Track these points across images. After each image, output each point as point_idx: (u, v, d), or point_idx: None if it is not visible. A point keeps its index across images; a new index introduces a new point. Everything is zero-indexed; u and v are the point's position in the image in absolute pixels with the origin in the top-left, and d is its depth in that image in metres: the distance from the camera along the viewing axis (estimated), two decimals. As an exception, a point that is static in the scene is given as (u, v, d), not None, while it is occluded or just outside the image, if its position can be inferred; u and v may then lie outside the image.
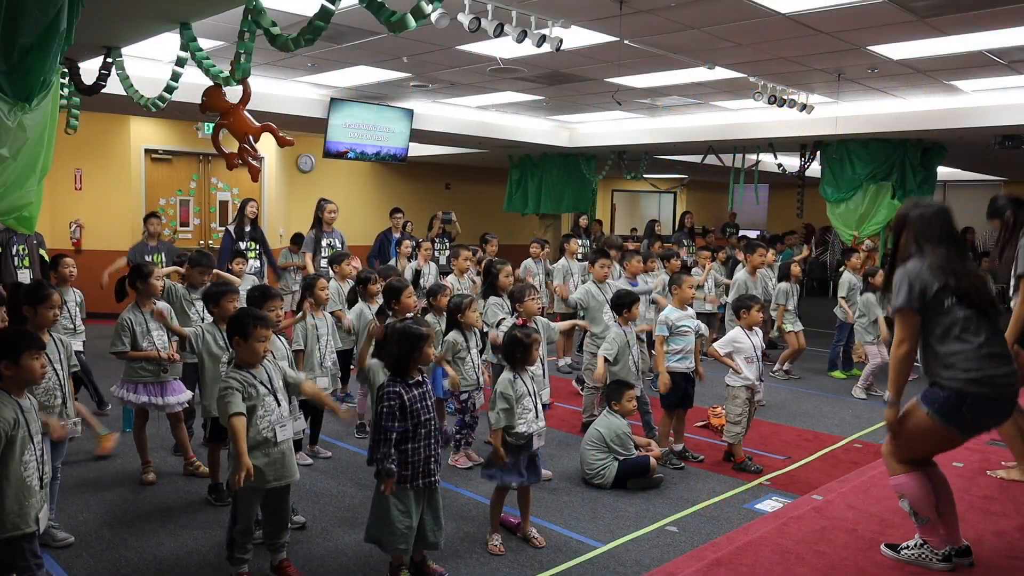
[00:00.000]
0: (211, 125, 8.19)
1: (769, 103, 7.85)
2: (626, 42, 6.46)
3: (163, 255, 7.65)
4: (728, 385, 5.18)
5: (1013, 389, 2.99)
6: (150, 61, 7.31)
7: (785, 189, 16.41)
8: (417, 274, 8.07)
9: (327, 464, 5.19)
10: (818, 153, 10.76)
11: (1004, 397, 2.96)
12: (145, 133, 10.92)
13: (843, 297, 7.79)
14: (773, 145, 11.13)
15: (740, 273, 7.80)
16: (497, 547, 3.86)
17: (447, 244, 10.14)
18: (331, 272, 6.41)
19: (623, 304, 5.39)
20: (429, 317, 5.35)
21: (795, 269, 8.02)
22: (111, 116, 10.29)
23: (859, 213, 10.20)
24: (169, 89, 5.44)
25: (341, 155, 9.92)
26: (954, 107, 8.80)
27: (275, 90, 8.95)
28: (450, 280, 6.83)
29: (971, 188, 16.36)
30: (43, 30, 3.14)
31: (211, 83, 4.85)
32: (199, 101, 5.00)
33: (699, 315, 6.29)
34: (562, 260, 8.24)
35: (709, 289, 8.27)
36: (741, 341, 5.11)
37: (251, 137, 4.96)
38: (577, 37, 6.36)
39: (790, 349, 7.96)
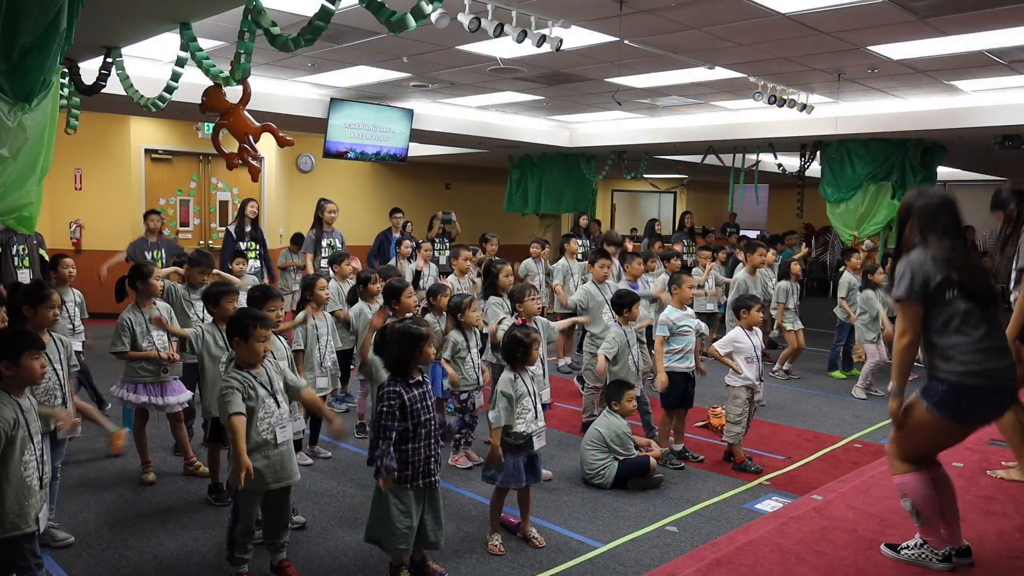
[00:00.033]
0: (211, 125, 8.19)
1: (769, 103, 7.85)
2: (626, 42, 6.46)
3: (163, 251, 7.65)
4: (728, 385, 5.18)
5: (1011, 382, 2.99)
6: (150, 61, 7.31)
7: (785, 189, 16.41)
8: (417, 275, 8.06)
9: (327, 464, 5.19)
10: (818, 153, 10.76)
11: (1002, 389, 2.96)
12: (145, 133, 10.92)
13: (843, 297, 7.79)
14: (773, 145, 11.13)
15: (740, 272, 7.80)
16: (497, 547, 3.86)
17: (447, 244, 10.15)
18: (331, 272, 6.42)
19: (623, 304, 5.40)
20: (429, 317, 5.35)
21: (795, 267, 8.02)
22: (111, 116, 10.29)
23: (859, 213, 10.20)
24: (169, 89, 5.43)
25: (341, 155, 9.92)
26: (954, 107, 8.80)
27: (275, 90, 8.95)
28: (450, 280, 6.83)
29: (971, 188, 16.36)
30: (43, 30, 3.14)
31: (211, 83, 4.85)
32: (199, 101, 4.99)
33: (699, 315, 6.29)
34: (562, 260, 8.24)
35: (709, 289, 8.27)
36: (741, 341, 5.11)
37: (251, 137, 4.96)
38: (577, 37, 6.36)
39: (789, 348, 7.96)
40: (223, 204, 11.77)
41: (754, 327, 5.20)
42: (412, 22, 3.62)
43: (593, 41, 6.58)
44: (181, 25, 4.86)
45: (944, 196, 3.10)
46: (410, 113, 10.22)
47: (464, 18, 5.11)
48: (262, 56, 7.05)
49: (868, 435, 6.02)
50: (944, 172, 11.90)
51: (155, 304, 4.72)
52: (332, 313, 5.53)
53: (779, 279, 7.94)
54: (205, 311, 4.77)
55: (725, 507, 4.51)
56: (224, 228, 9.92)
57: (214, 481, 4.46)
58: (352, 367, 6.15)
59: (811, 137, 10.27)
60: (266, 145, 9.10)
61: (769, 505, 4.49)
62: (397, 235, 9.09)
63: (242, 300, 4.58)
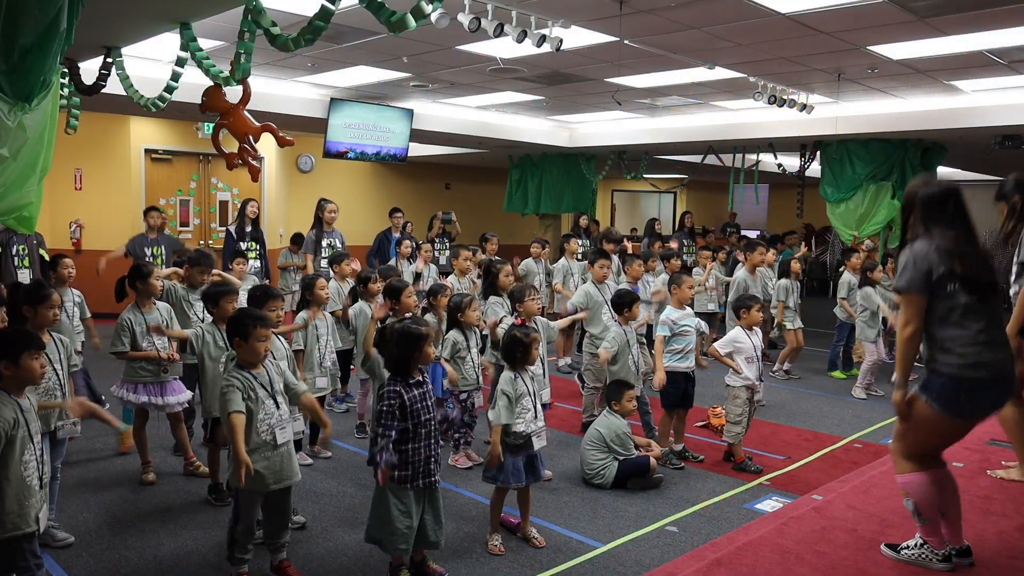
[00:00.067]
0: (211, 125, 8.19)
1: (769, 103, 7.85)
2: (626, 42, 6.45)
3: (163, 247, 7.65)
4: (728, 385, 5.18)
5: (1010, 374, 2.99)
6: (150, 61, 7.31)
7: (785, 189, 16.41)
8: (417, 277, 8.05)
9: (327, 464, 5.19)
10: (818, 153, 10.76)
11: (1001, 381, 2.96)
12: (145, 133, 10.92)
13: (843, 298, 7.80)
14: (773, 145, 11.13)
15: (740, 272, 7.81)
16: (497, 547, 3.86)
17: (447, 244, 10.15)
18: (331, 272, 6.42)
19: (623, 304, 5.40)
20: (428, 317, 5.35)
21: (795, 265, 8.03)
22: (111, 116, 10.29)
23: (859, 213, 10.20)
24: (169, 89, 5.43)
25: (341, 155, 9.92)
26: (954, 107, 8.80)
27: (275, 90, 8.95)
28: (450, 280, 6.83)
29: (971, 188, 16.29)
30: (43, 30, 3.13)
31: (211, 83, 4.85)
32: (199, 101, 4.99)
33: (699, 315, 6.29)
34: (562, 260, 8.24)
35: (710, 289, 8.27)
36: (742, 341, 5.11)
37: (251, 137, 4.96)
38: (577, 37, 6.36)
39: (788, 347, 7.97)
40: (223, 204, 11.76)
41: (754, 327, 5.20)
42: (412, 22, 3.62)
43: (593, 41, 6.58)
44: (181, 25, 4.85)
45: (948, 185, 3.06)
46: (410, 113, 10.22)
47: (464, 18, 5.11)
48: (262, 56, 7.05)
49: (868, 435, 6.02)
50: (944, 172, 11.90)
51: (155, 304, 4.72)
52: (332, 314, 5.53)
53: (779, 277, 7.95)
54: (205, 311, 4.77)
55: (725, 507, 4.51)
56: (224, 228, 9.93)
57: (214, 481, 4.46)
58: (352, 367, 6.15)
59: (811, 137, 10.27)
60: (266, 145, 9.10)
61: (769, 505, 4.49)
62: (397, 235, 9.09)
63: (242, 300, 4.58)
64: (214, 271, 5.52)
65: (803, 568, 3.23)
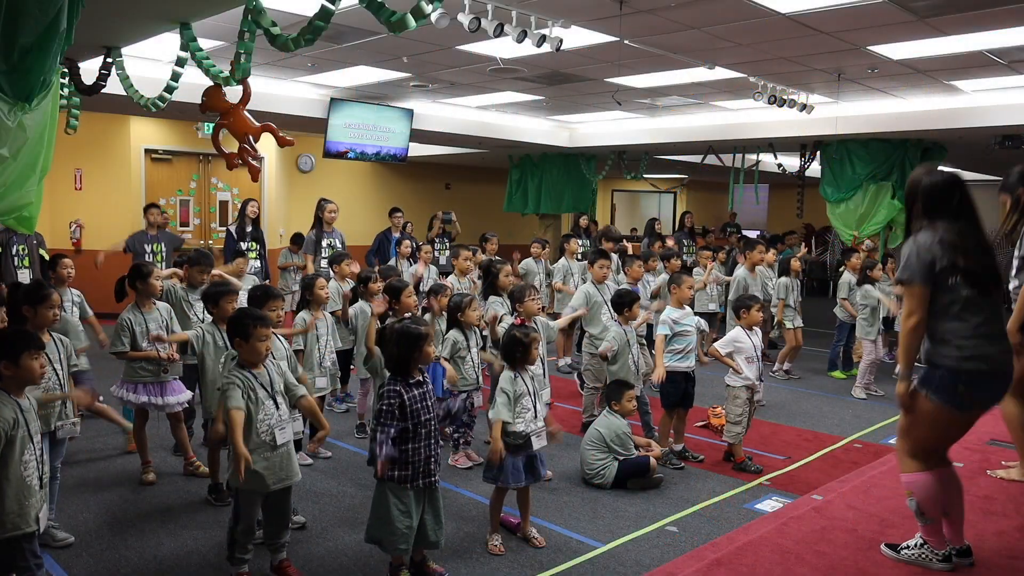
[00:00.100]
0: (211, 125, 8.19)
1: (769, 103, 7.85)
2: (626, 42, 6.45)
3: (163, 244, 7.64)
4: (728, 385, 5.18)
5: (1008, 367, 2.99)
6: (150, 61, 7.31)
7: (785, 189, 16.41)
8: (417, 283, 8.01)
9: (327, 464, 5.19)
10: (818, 153, 10.76)
11: (999, 374, 2.96)
12: (145, 133, 10.92)
13: (844, 298, 7.80)
14: (773, 145, 11.13)
15: (739, 270, 7.86)
16: (497, 547, 3.86)
17: (447, 244, 10.15)
18: (331, 272, 6.42)
19: (623, 303, 5.40)
20: (428, 317, 5.35)
21: (795, 264, 8.04)
22: (111, 116, 10.30)
23: (859, 213, 10.21)
24: (169, 89, 5.44)
25: (341, 155, 9.92)
26: (954, 107, 8.80)
27: (275, 90, 8.95)
28: (451, 280, 6.82)
29: (971, 188, 16.33)
30: (43, 30, 3.14)
31: (211, 83, 4.85)
32: (199, 101, 4.99)
33: (700, 314, 6.30)
34: (562, 260, 8.24)
35: (711, 289, 8.28)
36: (742, 341, 5.11)
37: (251, 137, 4.96)
38: (577, 37, 6.36)
39: (787, 346, 7.98)
40: (223, 204, 11.77)
41: (754, 327, 5.20)
42: (412, 22, 3.62)
43: (593, 41, 6.58)
44: (181, 25, 4.86)
45: (951, 176, 3.03)
46: (410, 113, 10.22)
47: (464, 18, 5.11)
48: (262, 56, 7.05)
49: (868, 435, 6.02)
50: (944, 172, 11.87)
51: (155, 304, 4.72)
52: (332, 314, 5.53)
53: (779, 276, 7.97)
54: (205, 311, 4.77)
55: (725, 507, 4.51)
56: (224, 228, 9.94)
57: (214, 481, 4.46)
58: (352, 367, 6.15)
59: (811, 137, 10.27)
60: (266, 145, 9.10)
61: (769, 505, 4.49)
62: (397, 235, 9.09)
63: (242, 300, 4.58)
64: (215, 270, 5.52)
65: (803, 568, 3.23)
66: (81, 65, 5.94)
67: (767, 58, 7.06)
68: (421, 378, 3.44)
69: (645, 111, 10.62)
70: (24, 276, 6.60)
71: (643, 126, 11.43)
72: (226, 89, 4.88)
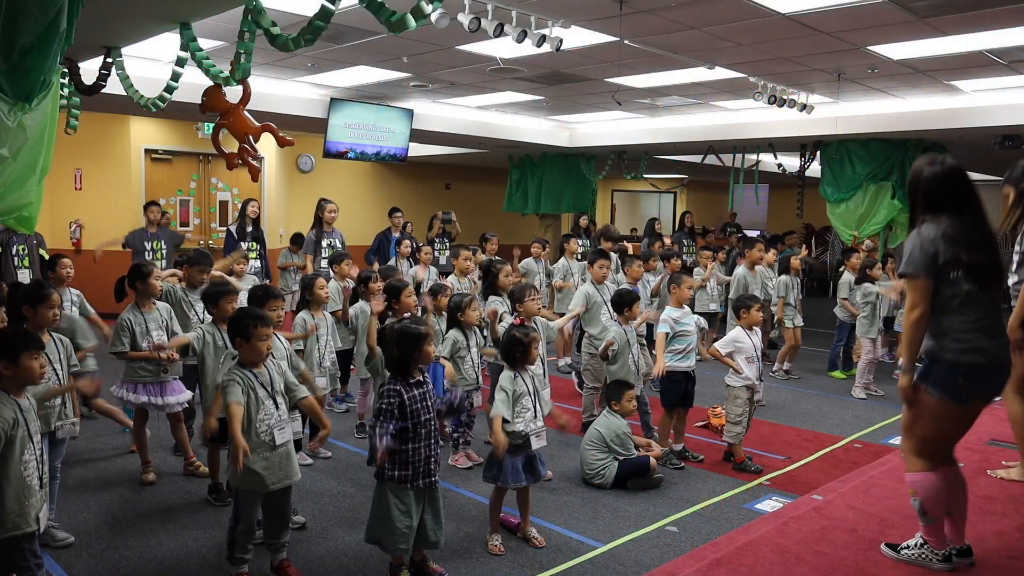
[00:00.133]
0: (211, 125, 8.20)
1: (769, 103, 7.85)
2: (626, 42, 6.45)
3: (162, 242, 7.64)
4: (728, 385, 5.18)
5: (1006, 359, 3.00)
6: (150, 61, 7.31)
7: (785, 189, 16.41)
8: (417, 286, 8.00)
9: (327, 464, 5.19)
10: (818, 153, 10.76)
11: (996, 367, 2.97)
12: (145, 133, 10.92)
13: (844, 298, 7.80)
14: (773, 145, 11.13)
15: (739, 269, 7.89)
16: (497, 547, 3.86)
17: (447, 244, 10.15)
18: (331, 272, 6.41)
19: (623, 303, 5.40)
20: (431, 318, 5.35)
21: (795, 262, 8.05)
22: (111, 116, 10.29)
23: (859, 213, 10.21)
24: (169, 89, 5.44)
25: (341, 155, 9.92)
26: (954, 107, 8.80)
27: (275, 90, 8.95)
28: (451, 280, 6.82)
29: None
30: (43, 30, 3.14)
31: (211, 83, 4.85)
32: (199, 101, 4.99)
33: (701, 315, 6.31)
34: (562, 260, 8.24)
35: (712, 289, 8.29)
36: (742, 341, 5.11)
37: (251, 137, 4.96)
38: (577, 37, 6.36)
39: (787, 345, 7.99)
40: (223, 204, 11.77)
41: (754, 327, 5.20)
42: (412, 22, 3.62)
43: (593, 41, 6.58)
44: (181, 25, 4.86)
45: (952, 168, 3.00)
46: (410, 113, 10.22)
47: (464, 18, 5.11)
48: (262, 56, 7.05)
49: (868, 435, 6.02)
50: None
51: (155, 304, 4.72)
52: (332, 314, 5.53)
53: (779, 274, 7.99)
54: (205, 311, 4.77)
55: (725, 507, 4.51)
56: (225, 228, 9.94)
57: (214, 481, 4.46)
58: (352, 367, 6.15)
59: (811, 137, 10.27)
60: (266, 145, 9.10)
61: (769, 505, 4.49)
62: (397, 235, 9.09)
63: (242, 300, 4.58)
64: (213, 271, 5.52)
65: (803, 568, 3.23)
66: (81, 65, 5.94)
67: (767, 58, 7.06)
68: (421, 378, 3.44)
69: (645, 111, 10.62)
70: (24, 276, 6.60)
71: (643, 126, 11.43)
72: (226, 89, 4.88)
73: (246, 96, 4.99)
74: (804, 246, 11.35)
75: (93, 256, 6.67)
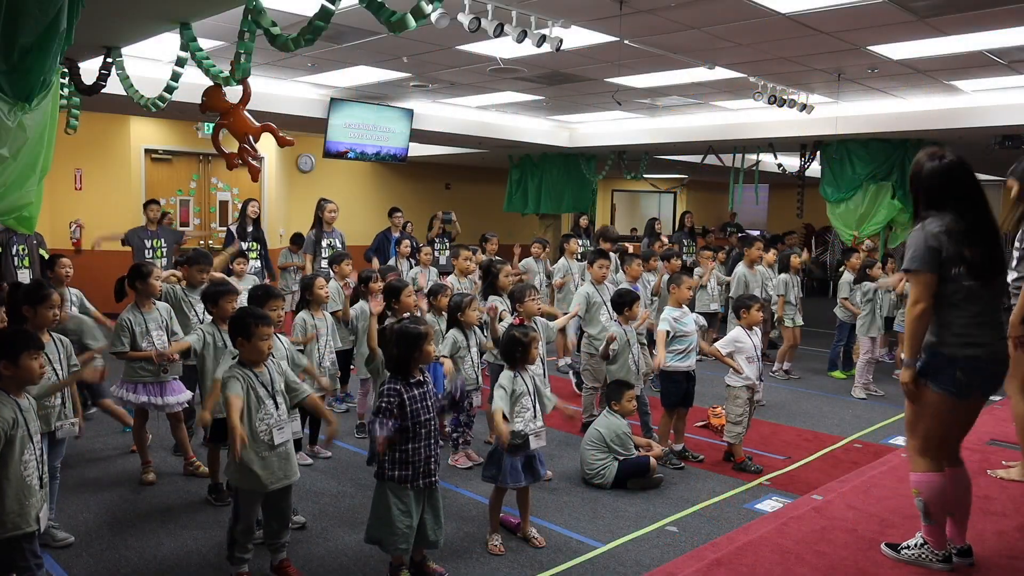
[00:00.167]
0: (211, 125, 8.20)
1: (769, 103, 7.85)
2: (626, 42, 6.45)
3: (162, 240, 7.64)
4: (728, 385, 5.18)
5: (1002, 353, 3.01)
6: (150, 61, 7.31)
7: (785, 189, 16.41)
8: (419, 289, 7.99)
9: (327, 464, 5.19)
10: (818, 153, 10.76)
11: (994, 361, 2.98)
12: (145, 133, 10.92)
13: (844, 298, 7.80)
14: (773, 145, 11.12)
15: (739, 268, 7.92)
16: (497, 547, 3.86)
17: (447, 244, 10.15)
18: (331, 272, 6.41)
19: (623, 303, 5.40)
20: (428, 317, 5.34)
21: (794, 260, 8.06)
22: (111, 116, 10.29)
23: (859, 213, 10.20)
24: (169, 89, 5.43)
25: (341, 155, 9.92)
26: (954, 107, 8.80)
27: (275, 90, 8.95)
28: (451, 280, 6.82)
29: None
30: (43, 30, 3.13)
31: (211, 83, 4.85)
32: (199, 101, 4.99)
33: (702, 315, 6.31)
34: (562, 260, 8.25)
35: (712, 289, 8.29)
36: (742, 341, 5.12)
37: (251, 137, 4.96)
38: (577, 37, 6.36)
39: (785, 344, 8.00)
40: (223, 204, 11.77)
41: (754, 327, 5.20)
42: (412, 22, 3.62)
43: (593, 41, 6.58)
44: (181, 25, 4.85)
45: (951, 163, 2.98)
46: (410, 113, 10.22)
47: (464, 18, 5.11)
48: (262, 56, 7.05)
49: (868, 435, 6.02)
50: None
51: (155, 304, 4.72)
52: (333, 314, 5.52)
53: (779, 272, 8.00)
54: (205, 312, 4.77)
55: (725, 507, 4.51)
56: (225, 228, 9.94)
57: (214, 481, 4.46)
58: (352, 367, 6.15)
59: (811, 137, 10.27)
60: (266, 145, 9.10)
61: (769, 505, 4.49)
62: (397, 235, 9.10)
63: (242, 300, 4.58)
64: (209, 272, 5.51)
65: (803, 568, 3.23)
66: (81, 65, 5.94)
67: (767, 58, 7.06)
68: (422, 378, 3.44)
69: (645, 111, 10.62)
70: (24, 276, 6.60)
71: (643, 126, 11.43)
72: (226, 89, 4.88)
73: (246, 96, 4.99)
74: (805, 250, 11.33)
75: (92, 246, 6.67)
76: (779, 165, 11.57)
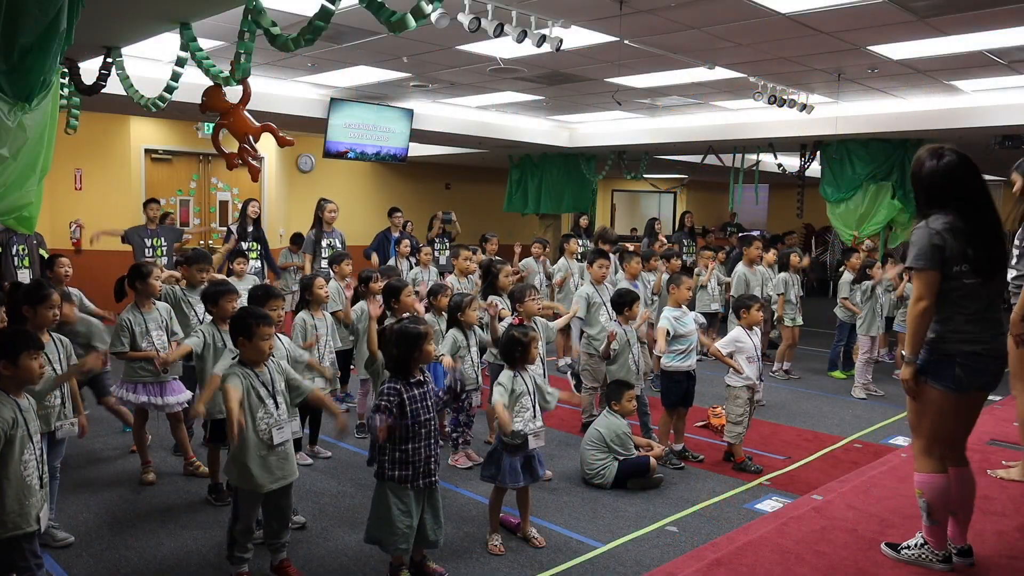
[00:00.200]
0: (211, 125, 8.20)
1: (769, 103, 7.85)
2: (626, 42, 6.45)
3: (162, 239, 7.65)
4: (729, 385, 5.18)
5: (1000, 349, 3.02)
6: (150, 61, 7.31)
7: (785, 189, 16.41)
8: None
9: (327, 464, 5.19)
10: (818, 153, 10.76)
11: (993, 357, 2.99)
12: (145, 133, 10.92)
13: (844, 298, 7.80)
14: (773, 145, 11.12)
15: (739, 267, 7.93)
16: (497, 547, 3.86)
17: (447, 244, 10.15)
18: (331, 272, 6.41)
19: (623, 303, 5.40)
20: (428, 317, 5.34)
21: (794, 259, 8.06)
22: (111, 116, 10.29)
23: (859, 213, 10.20)
24: (169, 89, 5.43)
25: (341, 155, 9.92)
26: (954, 107, 8.79)
27: (275, 90, 8.95)
28: (451, 280, 6.82)
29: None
30: (43, 30, 3.13)
31: (211, 83, 4.85)
32: (199, 101, 4.99)
33: (703, 315, 6.32)
34: (562, 260, 8.25)
35: (712, 289, 8.29)
36: (743, 341, 5.12)
37: (251, 137, 4.96)
38: (577, 37, 6.35)
39: (784, 344, 7.99)
40: (223, 204, 11.77)
41: (754, 327, 5.20)
42: (412, 22, 3.62)
43: (593, 41, 6.58)
44: (181, 25, 4.85)
45: (951, 164, 2.97)
46: (410, 113, 10.22)
47: (464, 18, 5.11)
48: (262, 56, 7.05)
49: (868, 435, 6.02)
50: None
51: (155, 304, 4.72)
52: (333, 314, 5.52)
53: (779, 271, 8.01)
54: (206, 312, 4.77)
55: (725, 507, 4.51)
56: (225, 228, 9.95)
57: (214, 481, 4.46)
58: (352, 367, 6.15)
59: (811, 137, 10.27)
60: (266, 145, 9.10)
61: (769, 505, 4.49)
62: (397, 235, 9.10)
63: (242, 300, 4.58)
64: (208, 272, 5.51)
65: (803, 568, 3.23)
66: (81, 65, 5.94)
67: (767, 58, 7.06)
68: (422, 377, 3.44)
69: (645, 111, 10.62)
70: (24, 276, 6.60)
71: (643, 126, 11.43)
72: (226, 89, 4.88)
73: (246, 96, 4.99)
74: (806, 256, 11.33)
75: (91, 239, 6.68)
76: (779, 165, 11.57)
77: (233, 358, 3.49)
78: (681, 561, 3.41)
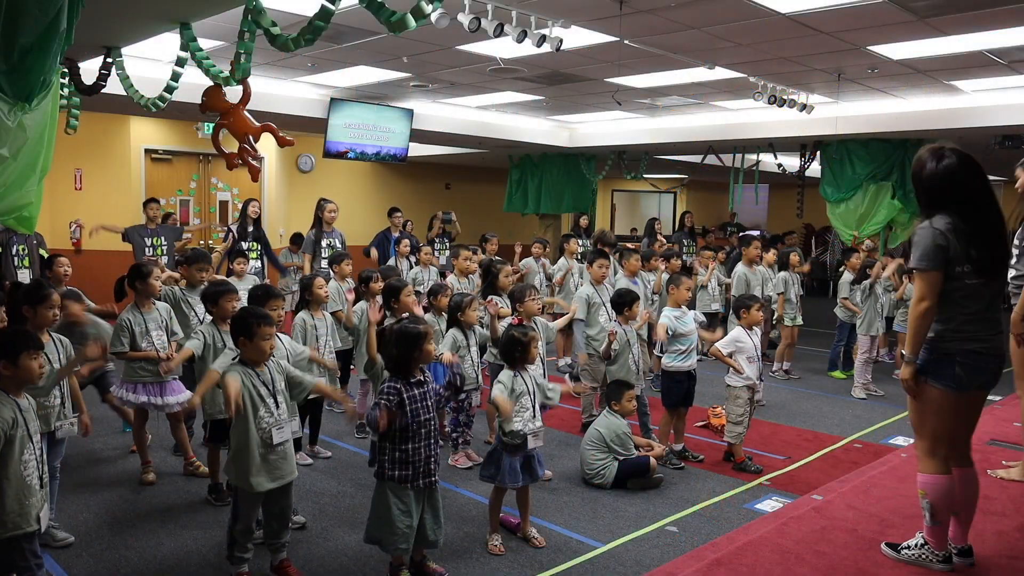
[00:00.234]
0: (211, 125, 8.20)
1: (769, 103, 7.85)
2: (626, 42, 6.45)
3: (163, 238, 7.65)
4: (729, 385, 5.18)
5: (999, 348, 3.02)
6: (150, 61, 7.31)
7: (785, 189, 16.41)
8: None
9: (327, 464, 5.19)
10: (818, 153, 10.76)
11: (993, 356, 3.00)
12: (145, 133, 10.92)
13: (844, 298, 7.80)
14: (773, 145, 11.12)
15: (739, 267, 7.95)
16: (497, 547, 3.86)
17: (447, 244, 10.15)
18: (331, 272, 6.41)
19: (623, 303, 5.40)
20: (428, 317, 5.34)
21: (793, 258, 8.06)
22: (111, 116, 10.29)
23: (859, 213, 10.20)
24: (169, 89, 5.44)
25: (341, 155, 9.92)
26: (954, 107, 8.79)
27: (275, 90, 8.95)
28: (450, 280, 6.82)
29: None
30: (43, 30, 3.14)
31: (211, 83, 4.85)
32: (199, 101, 5.00)
33: (704, 315, 6.31)
34: (562, 260, 8.26)
35: (713, 289, 8.30)
36: (743, 341, 5.12)
37: (251, 137, 4.96)
38: (577, 37, 6.36)
39: (783, 343, 7.99)
40: (223, 204, 11.77)
41: (754, 327, 5.20)
42: (412, 22, 3.62)
43: (593, 41, 6.58)
44: (181, 25, 4.85)
45: (952, 166, 2.96)
46: (410, 113, 10.22)
47: (464, 18, 5.11)
48: (262, 56, 7.05)
49: (868, 435, 6.02)
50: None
51: (154, 304, 4.72)
52: (333, 314, 5.52)
53: (778, 270, 8.01)
54: (206, 312, 4.77)
55: (725, 507, 4.51)
56: (225, 227, 9.94)
57: (214, 481, 4.46)
58: (352, 367, 6.15)
59: (811, 137, 10.27)
60: (266, 145, 9.10)
61: (769, 505, 4.49)
62: (396, 234, 9.10)
63: (242, 300, 4.58)
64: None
65: (803, 568, 3.23)
66: (81, 65, 5.94)
67: (767, 58, 7.06)
68: (422, 377, 3.44)
69: (645, 111, 10.62)
70: (24, 276, 6.61)
71: (643, 126, 11.43)
72: (226, 89, 4.88)
73: (246, 96, 4.99)
74: (807, 264, 11.31)
75: (90, 232, 6.69)
76: (779, 165, 11.57)
77: (233, 358, 3.49)
78: (681, 561, 3.41)
